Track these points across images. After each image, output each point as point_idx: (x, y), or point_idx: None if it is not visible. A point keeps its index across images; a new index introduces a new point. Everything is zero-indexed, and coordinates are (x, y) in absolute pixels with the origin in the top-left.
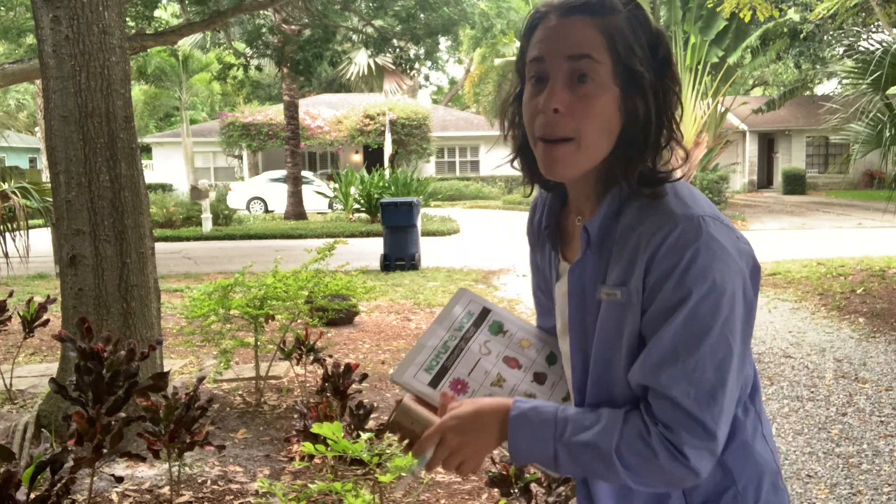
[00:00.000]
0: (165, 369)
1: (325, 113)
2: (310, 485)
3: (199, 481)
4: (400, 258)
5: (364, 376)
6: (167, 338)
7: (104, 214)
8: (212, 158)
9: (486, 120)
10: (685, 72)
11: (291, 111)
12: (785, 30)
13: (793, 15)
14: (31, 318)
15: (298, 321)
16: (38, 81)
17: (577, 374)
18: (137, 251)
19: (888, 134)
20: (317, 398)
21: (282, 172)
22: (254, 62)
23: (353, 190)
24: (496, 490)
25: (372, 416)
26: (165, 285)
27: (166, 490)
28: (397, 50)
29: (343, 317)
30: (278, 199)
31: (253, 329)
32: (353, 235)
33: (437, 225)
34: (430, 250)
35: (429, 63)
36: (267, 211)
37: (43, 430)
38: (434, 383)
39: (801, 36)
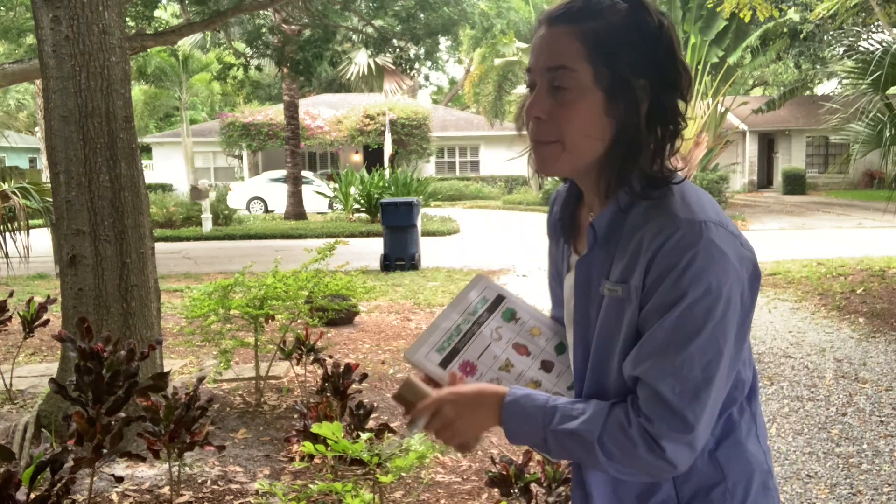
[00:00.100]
0: (165, 369)
1: (325, 113)
2: (310, 485)
3: (199, 481)
4: (400, 258)
5: (364, 376)
6: (167, 338)
7: (104, 214)
8: (212, 158)
9: (486, 120)
10: None
11: (291, 111)
12: (785, 30)
13: (793, 15)
14: (31, 318)
15: (298, 321)
16: (38, 81)
17: (578, 364)
18: (137, 251)
19: (888, 134)
20: (317, 398)
21: (282, 172)
22: (254, 62)
23: (353, 190)
24: (496, 490)
25: (372, 416)
26: (165, 285)
27: (166, 490)
28: (397, 50)
29: (343, 317)
30: (278, 199)
31: (253, 329)
32: (353, 235)
33: (437, 225)
34: (430, 250)
35: (429, 63)
36: (267, 211)
37: (43, 430)
38: (444, 364)
39: (801, 36)
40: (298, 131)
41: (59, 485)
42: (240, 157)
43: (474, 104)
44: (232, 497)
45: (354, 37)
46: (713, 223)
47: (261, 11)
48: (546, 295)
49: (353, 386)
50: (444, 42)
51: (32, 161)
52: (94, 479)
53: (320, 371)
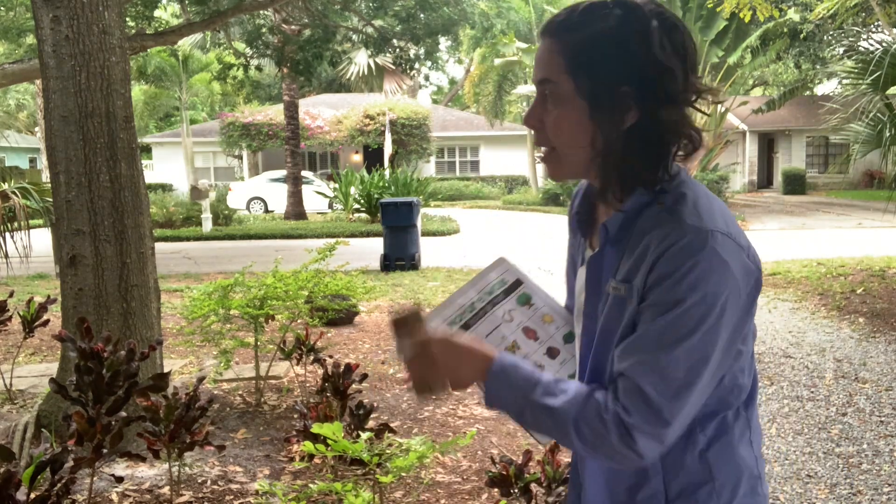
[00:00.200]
0: (165, 369)
1: (325, 113)
2: (310, 485)
3: (199, 481)
4: (400, 258)
5: (364, 376)
6: (167, 338)
7: (104, 214)
8: (212, 158)
9: (486, 120)
10: None
11: (291, 111)
12: (785, 30)
13: (793, 15)
14: (31, 318)
15: (298, 321)
16: (38, 81)
17: (582, 356)
18: (137, 251)
19: (888, 134)
20: (317, 398)
21: (282, 172)
22: (254, 62)
23: (353, 190)
24: (496, 490)
25: (372, 416)
26: (165, 285)
27: (166, 490)
28: (397, 50)
29: (343, 317)
30: (278, 199)
31: (253, 329)
32: (353, 235)
33: (437, 225)
34: (430, 250)
35: (429, 63)
36: (267, 211)
37: (43, 430)
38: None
39: (801, 36)
40: (298, 131)
41: (59, 485)
42: (240, 157)
43: (474, 104)
44: (232, 497)
45: (354, 37)
46: (721, 233)
47: (261, 11)
48: (554, 288)
49: (353, 386)
50: (444, 42)
51: (32, 161)
52: (94, 479)
53: (320, 371)
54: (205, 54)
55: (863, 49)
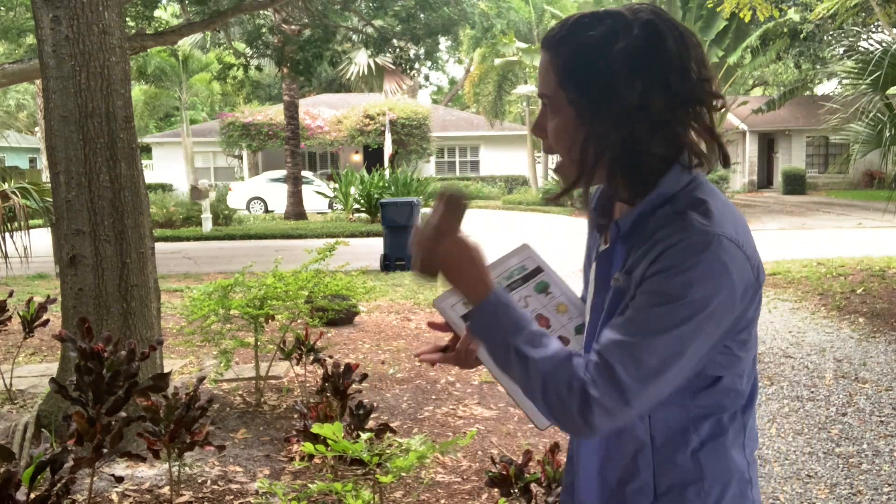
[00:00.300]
0: (165, 369)
1: (325, 113)
2: (310, 485)
3: (199, 481)
4: (400, 258)
5: (364, 376)
6: (167, 338)
7: (104, 214)
8: (212, 158)
9: (486, 120)
10: None
11: (291, 111)
12: (785, 30)
13: (793, 15)
14: (31, 318)
15: (298, 321)
16: (38, 81)
17: (586, 347)
18: (137, 251)
19: (888, 134)
20: (317, 398)
21: (282, 172)
22: (254, 62)
23: (353, 190)
24: (496, 490)
25: (372, 416)
26: (165, 285)
27: (166, 490)
28: (397, 50)
29: (343, 317)
30: (278, 199)
31: (253, 329)
32: (353, 235)
33: None
34: None
35: (429, 63)
36: (267, 211)
37: (43, 430)
38: (466, 318)
39: (801, 36)
40: (298, 131)
41: (59, 485)
42: (240, 157)
43: (474, 104)
44: (232, 497)
45: (354, 37)
46: (727, 239)
47: (261, 11)
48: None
49: (353, 386)
50: (444, 42)
51: (32, 161)
52: (94, 479)
53: (320, 371)
54: (205, 54)
55: (863, 49)
